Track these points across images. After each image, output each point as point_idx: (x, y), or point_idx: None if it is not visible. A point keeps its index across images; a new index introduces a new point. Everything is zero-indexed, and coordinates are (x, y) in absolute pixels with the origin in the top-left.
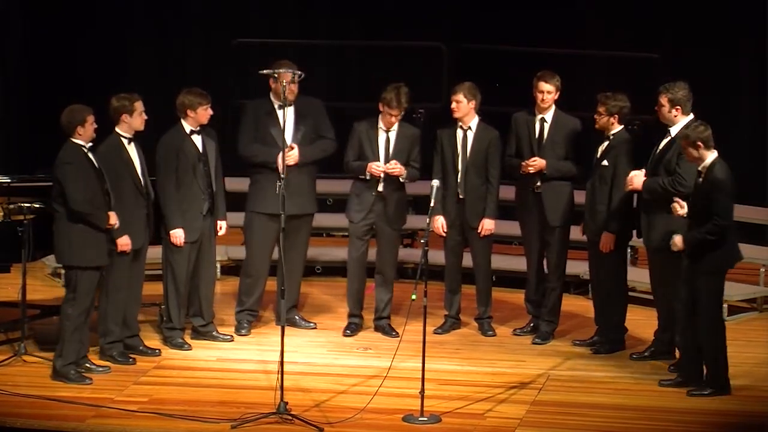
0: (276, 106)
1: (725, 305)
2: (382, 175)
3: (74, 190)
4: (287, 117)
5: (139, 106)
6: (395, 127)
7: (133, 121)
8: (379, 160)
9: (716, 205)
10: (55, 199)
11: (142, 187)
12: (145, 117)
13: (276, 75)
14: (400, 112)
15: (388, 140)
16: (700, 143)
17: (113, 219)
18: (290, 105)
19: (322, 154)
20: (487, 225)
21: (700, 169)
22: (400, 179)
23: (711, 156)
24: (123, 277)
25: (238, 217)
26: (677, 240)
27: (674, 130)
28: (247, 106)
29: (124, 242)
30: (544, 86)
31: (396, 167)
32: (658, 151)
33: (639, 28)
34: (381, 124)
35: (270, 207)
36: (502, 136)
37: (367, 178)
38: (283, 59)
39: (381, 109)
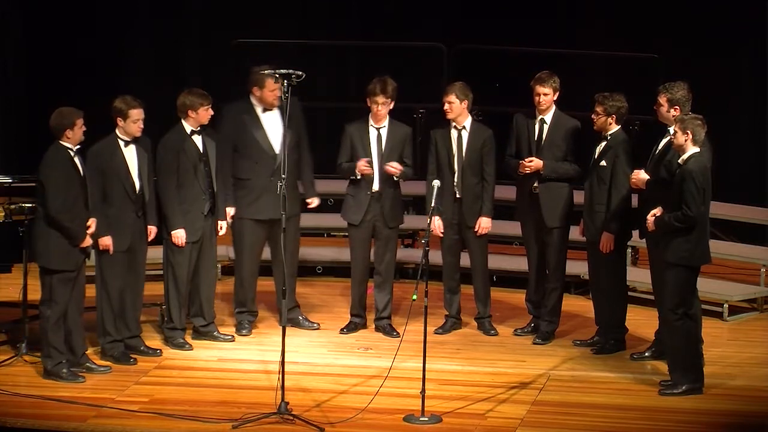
0: (259, 110)
1: (725, 305)
2: (375, 174)
3: (54, 197)
4: (274, 122)
5: (135, 114)
6: (386, 124)
7: (126, 127)
8: (370, 158)
9: (685, 195)
10: (37, 200)
11: (133, 191)
12: (141, 126)
13: (277, 75)
14: (385, 99)
15: (379, 138)
16: (690, 133)
17: (92, 229)
18: (272, 108)
19: (313, 173)
20: (484, 223)
21: (680, 161)
22: (395, 178)
23: (692, 150)
24: (117, 278)
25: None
26: (650, 220)
27: (673, 130)
28: (227, 109)
29: (105, 243)
30: (540, 89)
31: (392, 167)
32: (657, 151)
33: (639, 29)
34: (371, 122)
35: (258, 212)
36: (497, 135)
37: (357, 177)
38: (282, 59)
39: (368, 103)
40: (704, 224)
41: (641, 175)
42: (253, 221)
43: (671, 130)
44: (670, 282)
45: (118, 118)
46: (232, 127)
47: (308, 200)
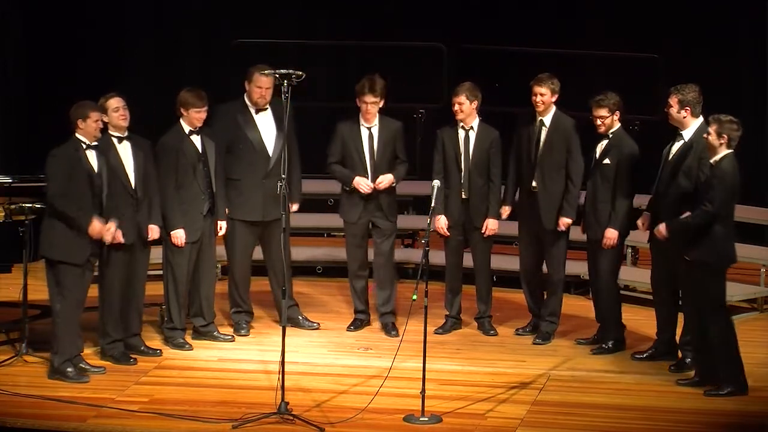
0: (253, 111)
1: None
2: (369, 174)
3: (52, 183)
4: (268, 122)
5: (113, 103)
6: (376, 122)
7: (110, 120)
8: (363, 157)
9: (710, 192)
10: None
11: (131, 187)
12: (123, 113)
13: (277, 75)
14: (374, 99)
15: (371, 136)
16: (726, 137)
17: (96, 227)
18: (266, 109)
19: (300, 177)
20: (491, 225)
21: (711, 162)
22: (393, 185)
23: (724, 152)
24: (117, 276)
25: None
26: (661, 227)
27: (687, 134)
28: (220, 109)
29: (116, 236)
30: (538, 89)
31: (383, 180)
32: (671, 156)
33: (638, 28)
34: (362, 121)
35: (249, 214)
36: (502, 135)
37: (348, 189)
38: (282, 59)
39: (357, 103)
40: (728, 223)
41: (662, 231)
42: (244, 222)
43: (685, 134)
44: (708, 288)
45: (102, 115)
46: (224, 127)
47: (290, 203)
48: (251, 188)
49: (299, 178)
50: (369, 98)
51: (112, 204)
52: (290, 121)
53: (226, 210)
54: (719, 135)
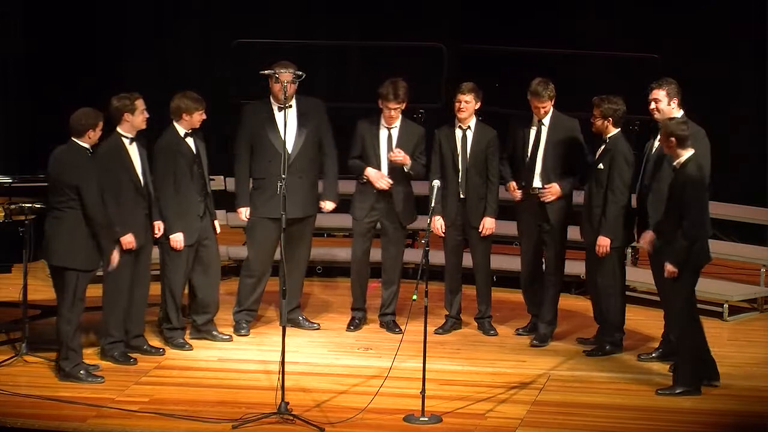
0: (275, 108)
1: (725, 305)
2: (384, 173)
3: (91, 195)
4: (289, 119)
5: (140, 104)
6: (398, 124)
7: (134, 120)
8: (380, 158)
9: (686, 205)
10: (62, 201)
11: (142, 188)
12: (147, 115)
13: (277, 75)
14: (398, 105)
15: (390, 137)
16: (674, 139)
17: (127, 239)
18: (289, 106)
19: (335, 175)
20: (488, 224)
21: (675, 164)
22: (405, 169)
23: (687, 153)
24: (124, 278)
25: (238, 217)
26: (669, 268)
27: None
28: (245, 109)
29: (128, 240)
30: (539, 103)
31: (399, 155)
32: (653, 150)
33: (639, 28)
34: (383, 122)
35: (273, 211)
36: (500, 135)
37: (363, 180)
38: (282, 59)
39: (380, 105)
40: (705, 224)
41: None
42: (267, 220)
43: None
44: (677, 285)
45: (126, 114)
46: (250, 127)
47: (322, 203)
48: (273, 186)
49: (336, 176)
50: (392, 104)
51: (121, 205)
52: (321, 119)
53: (247, 210)
54: (667, 137)
